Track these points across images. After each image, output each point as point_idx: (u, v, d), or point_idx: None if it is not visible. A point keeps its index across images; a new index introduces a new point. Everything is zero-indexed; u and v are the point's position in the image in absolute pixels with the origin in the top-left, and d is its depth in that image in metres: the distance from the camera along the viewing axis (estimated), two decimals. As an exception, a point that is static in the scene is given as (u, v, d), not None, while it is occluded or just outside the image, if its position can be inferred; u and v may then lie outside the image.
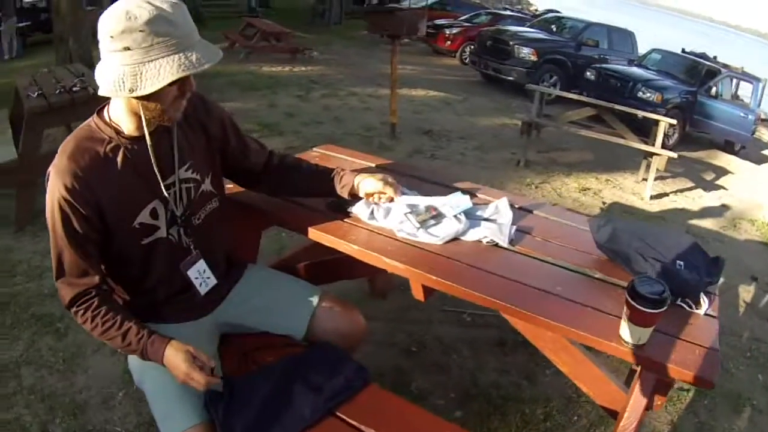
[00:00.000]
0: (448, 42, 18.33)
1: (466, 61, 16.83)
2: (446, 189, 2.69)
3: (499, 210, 2.40)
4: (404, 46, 19.64)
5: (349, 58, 15.37)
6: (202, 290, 2.09)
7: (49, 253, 1.91)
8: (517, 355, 3.33)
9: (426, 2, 17.42)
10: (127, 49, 1.64)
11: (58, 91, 5.24)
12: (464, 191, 2.54)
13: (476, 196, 2.66)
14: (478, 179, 6.02)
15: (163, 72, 1.66)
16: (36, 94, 5.40)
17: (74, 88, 5.09)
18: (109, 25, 1.65)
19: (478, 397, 3.10)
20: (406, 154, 7.13)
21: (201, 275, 2.08)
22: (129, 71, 1.67)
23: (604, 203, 5.91)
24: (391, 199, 2.36)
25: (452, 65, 16.98)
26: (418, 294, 2.31)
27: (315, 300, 2.28)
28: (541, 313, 1.82)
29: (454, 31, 18.56)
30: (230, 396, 1.93)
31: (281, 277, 2.44)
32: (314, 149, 3.43)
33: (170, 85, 1.70)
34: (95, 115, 1.92)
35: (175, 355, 1.82)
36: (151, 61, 1.66)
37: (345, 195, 2.39)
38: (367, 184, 2.34)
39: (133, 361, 2.10)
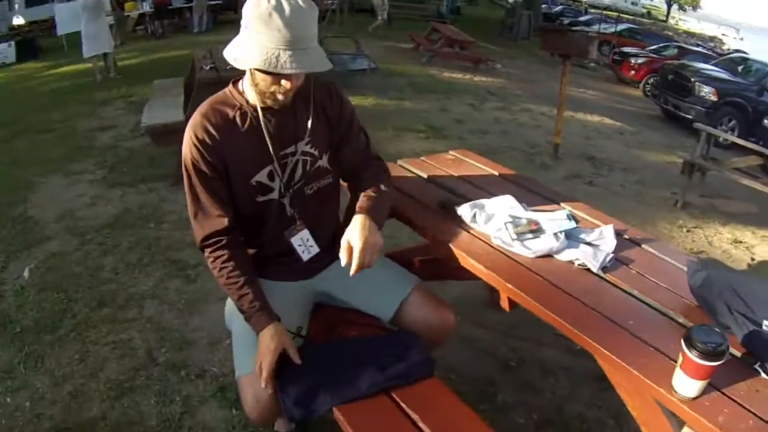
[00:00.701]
0: (633, 71, 17.80)
1: (648, 92, 16.31)
2: (557, 207, 2.72)
3: (603, 236, 2.38)
4: (589, 70, 19.34)
5: (530, 75, 15.27)
6: (305, 257, 2.27)
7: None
8: (614, 394, 3.27)
9: (615, 28, 17.05)
10: (246, 28, 1.94)
11: (229, 67, 5.65)
12: (572, 214, 2.52)
13: (584, 220, 2.65)
14: (630, 213, 6.01)
15: (251, 58, 1.92)
16: (209, 66, 5.87)
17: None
18: (245, 5, 1.94)
19: (558, 425, 3.06)
20: (563, 176, 7.05)
21: (304, 243, 2.27)
22: (240, 44, 1.97)
23: (753, 259, 5.60)
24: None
25: (634, 95, 16.44)
26: (504, 303, 2.38)
27: (409, 288, 2.39)
28: (599, 342, 1.80)
29: (640, 60, 17.99)
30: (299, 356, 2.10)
31: (383, 261, 2.54)
32: (450, 152, 3.53)
33: (264, 73, 1.97)
34: (231, 84, 2.23)
35: (269, 339, 2.06)
36: (251, 44, 1.92)
37: None
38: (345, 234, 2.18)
39: (229, 304, 2.39)
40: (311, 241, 2.27)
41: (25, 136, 8.44)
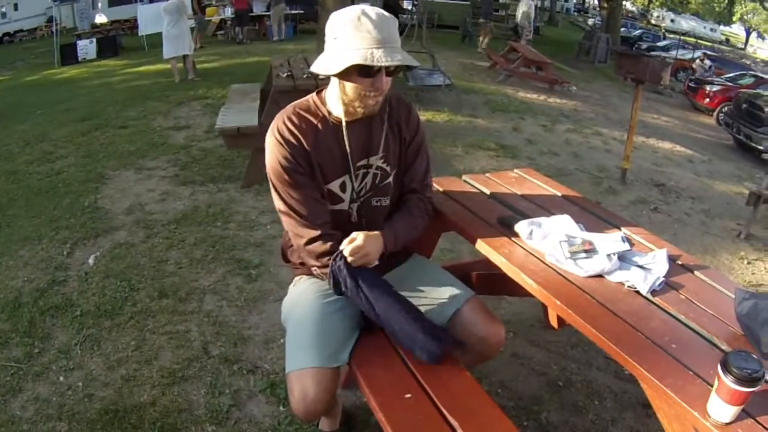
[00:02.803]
0: (707, 99, 17.29)
1: (721, 121, 15.91)
2: (614, 229, 2.71)
3: (656, 260, 2.36)
4: (664, 96, 18.99)
5: (606, 99, 15.05)
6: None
7: (264, 211, 2.32)
8: (657, 421, 3.22)
9: (692, 55, 16.72)
10: (336, 39, 2.07)
11: (305, 75, 5.78)
12: (626, 237, 2.52)
13: (639, 243, 2.62)
14: (692, 242, 5.92)
15: (347, 58, 2.02)
16: (285, 74, 5.99)
17: (320, 76, 5.66)
18: (330, 20, 2.10)
19: (599, 448, 3.04)
20: (629, 201, 6.94)
21: None
22: (330, 54, 2.10)
23: (806, 294, 5.47)
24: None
25: (707, 124, 16.03)
26: (552, 320, 2.38)
27: (463, 300, 2.41)
28: (640, 362, 1.80)
29: (715, 88, 17.44)
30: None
31: (439, 272, 2.61)
32: (514, 170, 3.54)
33: (359, 75, 2.08)
34: (314, 93, 2.35)
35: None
36: (344, 49, 2.05)
37: None
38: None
39: (286, 302, 2.49)
40: None
41: (101, 130, 8.76)
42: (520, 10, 19.19)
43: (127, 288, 4.22)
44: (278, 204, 2.28)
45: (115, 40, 19.70)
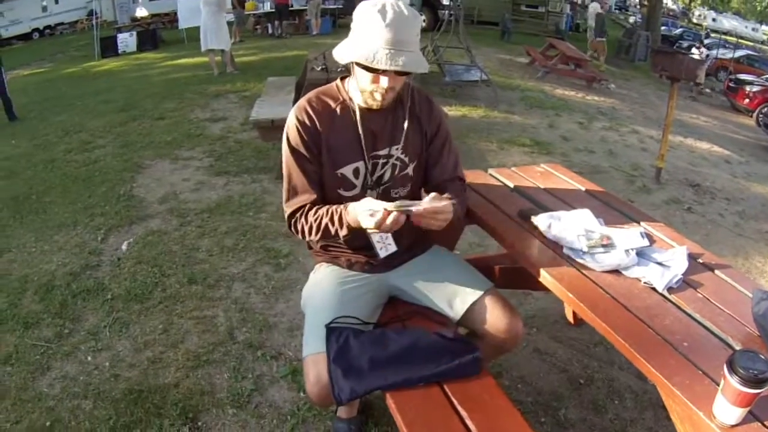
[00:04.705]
0: (747, 99, 16.83)
1: (760, 122, 15.60)
2: (635, 225, 2.68)
3: (675, 257, 2.33)
4: (704, 95, 18.73)
5: (644, 97, 14.89)
6: (381, 254, 2.30)
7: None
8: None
9: (733, 54, 16.41)
10: (354, 29, 2.13)
11: (339, 69, 5.79)
12: (646, 233, 2.51)
13: (660, 240, 2.59)
14: (724, 243, 5.84)
15: (351, 53, 2.10)
16: (320, 67, 6.02)
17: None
18: (357, 9, 2.14)
19: (616, 448, 3.03)
20: (663, 200, 6.86)
21: (383, 240, 2.30)
22: (348, 43, 2.15)
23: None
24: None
25: (747, 124, 15.67)
26: (569, 315, 2.38)
27: (481, 291, 2.41)
28: (649, 359, 1.78)
29: (755, 89, 16.94)
30: (354, 339, 2.18)
31: (459, 264, 2.62)
32: (541, 165, 3.53)
33: (364, 70, 2.12)
34: (338, 79, 2.40)
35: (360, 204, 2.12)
36: (355, 42, 2.10)
37: None
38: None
39: (306, 288, 2.55)
40: (390, 239, 2.30)
41: (139, 121, 8.93)
42: (589, 11, 19.29)
43: (157, 274, 4.31)
44: (284, 181, 2.36)
45: (155, 33, 19.95)
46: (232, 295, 4.06)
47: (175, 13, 19.12)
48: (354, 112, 2.30)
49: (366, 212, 2.04)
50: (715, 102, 18.51)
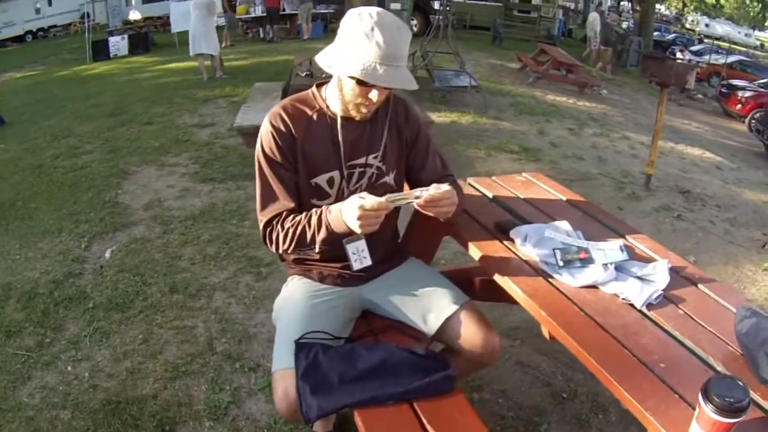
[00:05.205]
0: (739, 105, 16.81)
1: (752, 127, 15.57)
2: (617, 237, 2.61)
3: (656, 271, 2.26)
4: (696, 101, 18.75)
5: (636, 103, 14.87)
6: (356, 266, 2.24)
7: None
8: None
9: (726, 60, 16.43)
10: (345, 38, 2.06)
11: (324, 75, 5.76)
12: (625, 246, 2.41)
13: (642, 253, 2.52)
14: (714, 251, 5.83)
15: (349, 67, 2.02)
16: (304, 73, 6.00)
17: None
18: (347, 15, 2.08)
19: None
20: (652, 207, 6.83)
21: (358, 252, 2.23)
22: (337, 52, 2.08)
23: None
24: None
25: (739, 130, 15.66)
26: (545, 332, 2.33)
27: (456, 306, 2.35)
28: (621, 382, 1.70)
29: (747, 94, 16.94)
30: (323, 355, 2.13)
31: (435, 277, 2.55)
32: (522, 174, 3.45)
33: (357, 84, 2.06)
34: (314, 86, 2.34)
35: (347, 203, 2.05)
36: (350, 54, 2.03)
37: None
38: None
39: (277, 301, 2.50)
40: (366, 252, 2.24)
41: (127, 126, 8.91)
42: (589, 20, 19.66)
43: (139, 282, 4.28)
44: (257, 191, 2.29)
45: (147, 37, 19.90)
46: (213, 304, 4.03)
47: (168, 17, 19.08)
48: (331, 120, 2.26)
49: (354, 209, 1.98)
50: (707, 107, 18.54)
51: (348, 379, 2.08)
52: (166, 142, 7.89)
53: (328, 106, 2.28)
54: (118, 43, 18.57)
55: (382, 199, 1.99)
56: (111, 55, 18.10)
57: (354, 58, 2.01)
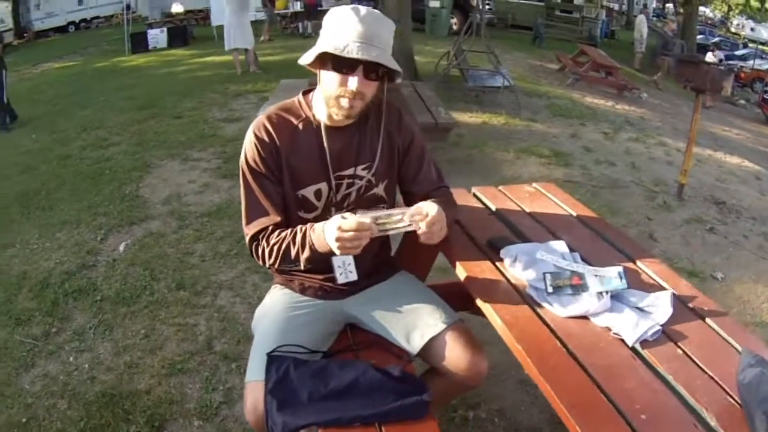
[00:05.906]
0: None
1: (795, 135, 15.10)
2: (621, 260, 2.39)
3: (658, 304, 2.05)
4: (737, 107, 18.33)
5: (676, 108, 14.56)
6: (340, 279, 2.14)
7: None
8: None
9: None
10: (322, 31, 2.03)
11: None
12: (624, 272, 2.16)
13: (649, 279, 2.30)
14: (746, 267, 5.59)
15: (321, 45, 1.98)
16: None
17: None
18: (326, 16, 2.05)
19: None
20: (683, 219, 6.58)
21: (344, 266, 2.13)
22: (315, 46, 2.01)
23: None
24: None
25: (781, 138, 15.41)
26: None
27: (444, 325, 2.22)
28: None
29: None
30: (295, 370, 2.06)
31: (424, 293, 2.43)
32: (533, 184, 3.27)
33: (333, 69, 2.00)
34: (300, 94, 2.26)
35: (329, 222, 1.99)
36: (324, 41, 1.98)
37: None
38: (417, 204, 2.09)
39: (258, 310, 2.44)
40: (352, 267, 2.15)
41: (157, 119, 8.97)
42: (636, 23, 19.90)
43: (148, 277, 4.30)
44: (242, 204, 2.23)
45: (186, 30, 20.01)
46: (217, 303, 4.02)
47: (209, 10, 19.18)
48: (318, 129, 2.18)
49: (333, 229, 1.92)
50: (749, 114, 18.12)
51: (317, 397, 2.00)
52: (192, 136, 7.92)
53: (314, 115, 2.19)
54: (157, 36, 18.72)
55: (367, 219, 1.91)
56: (150, 47, 18.26)
57: (327, 42, 1.96)
